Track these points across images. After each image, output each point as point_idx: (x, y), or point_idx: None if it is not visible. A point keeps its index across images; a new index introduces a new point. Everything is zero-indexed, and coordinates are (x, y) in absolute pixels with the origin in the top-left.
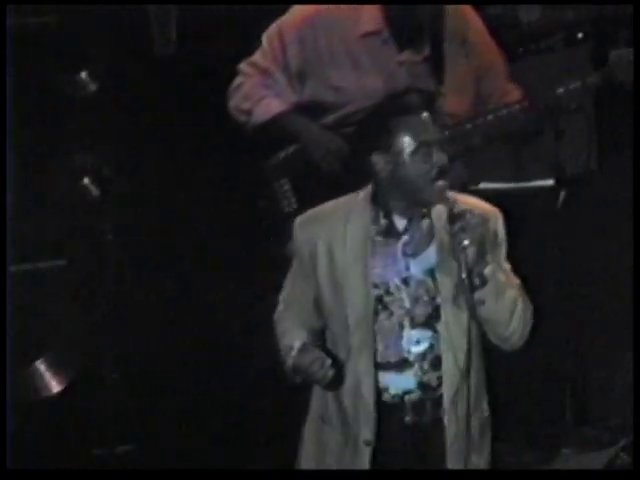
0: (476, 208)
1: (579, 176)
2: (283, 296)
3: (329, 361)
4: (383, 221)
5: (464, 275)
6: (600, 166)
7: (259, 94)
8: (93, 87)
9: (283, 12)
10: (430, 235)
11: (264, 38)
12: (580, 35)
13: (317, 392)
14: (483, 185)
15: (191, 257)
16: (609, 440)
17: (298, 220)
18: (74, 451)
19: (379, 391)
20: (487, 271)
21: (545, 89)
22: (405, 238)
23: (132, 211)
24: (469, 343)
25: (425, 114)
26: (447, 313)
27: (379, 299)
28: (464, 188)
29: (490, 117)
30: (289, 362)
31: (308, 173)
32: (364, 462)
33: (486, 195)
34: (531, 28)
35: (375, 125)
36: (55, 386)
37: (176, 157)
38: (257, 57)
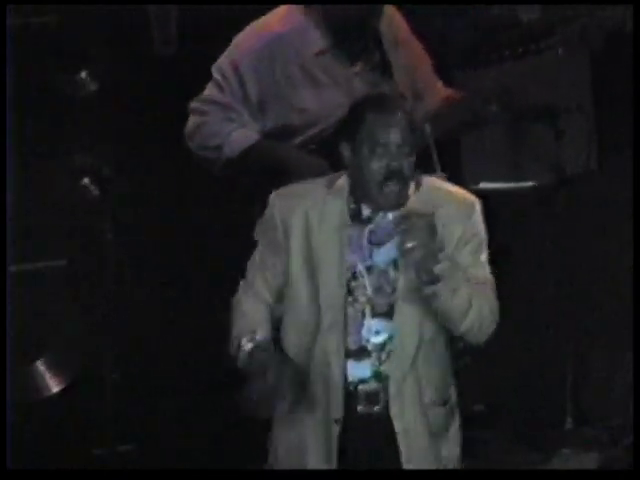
0: (448, 200)
1: (579, 176)
2: (248, 276)
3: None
4: (353, 206)
5: (412, 274)
6: (600, 166)
7: (227, 129)
8: (93, 87)
9: None
10: (393, 228)
11: (216, 72)
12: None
13: None
14: (483, 185)
15: (191, 257)
16: (609, 440)
17: (275, 193)
18: (74, 451)
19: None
20: (437, 269)
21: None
22: (371, 226)
23: (132, 211)
24: (420, 337)
25: (399, 114)
26: (400, 305)
27: (347, 283)
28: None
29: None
30: (245, 348)
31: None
32: (333, 441)
33: (486, 195)
34: (531, 28)
35: (349, 114)
36: (55, 386)
37: (176, 157)
38: (213, 93)
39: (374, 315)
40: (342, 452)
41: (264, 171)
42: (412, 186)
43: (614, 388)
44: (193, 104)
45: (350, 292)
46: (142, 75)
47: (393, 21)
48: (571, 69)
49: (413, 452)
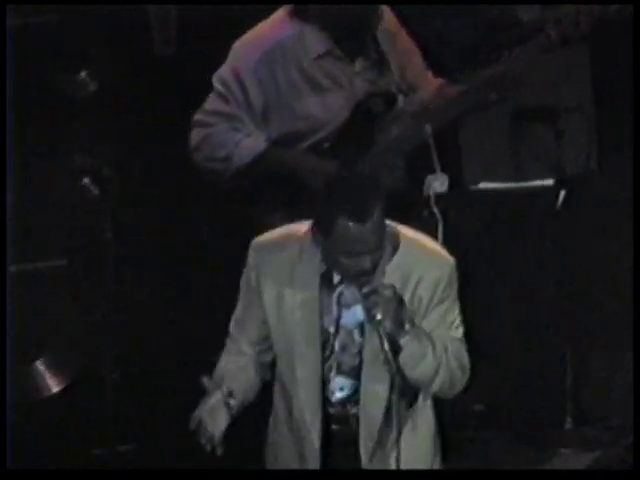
0: (420, 261)
1: (579, 176)
2: (231, 331)
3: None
4: (323, 271)
5: (382, 345)
6: (600, 166)
7: (234, 138)
8: (93, 87)
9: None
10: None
11: (217, 82)
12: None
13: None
14: (483, 185)
15: (191, 257)
16: (609, 440)
17: (253, 243)
18: (74, 451)
19: None
20: (402, 341)
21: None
22: (340, 289)
23: (132, 211)
24: (389, 400)
25: (369, 223)
26: (368, 370)
27: (323, 343)
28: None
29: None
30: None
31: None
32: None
33: (486, 195)
34: (531, 28)
35: (322, 210)
36: (55, 386)
37: (176, 157)
38: (216, 104)
39: (338, 372)
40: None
41: (273, 179)
42: (389, 250)
43: (614, 388)
44: (197, 116)
45: (324, 350)
46: (142, 75)
47: (385, 16)
48: (571, 69)
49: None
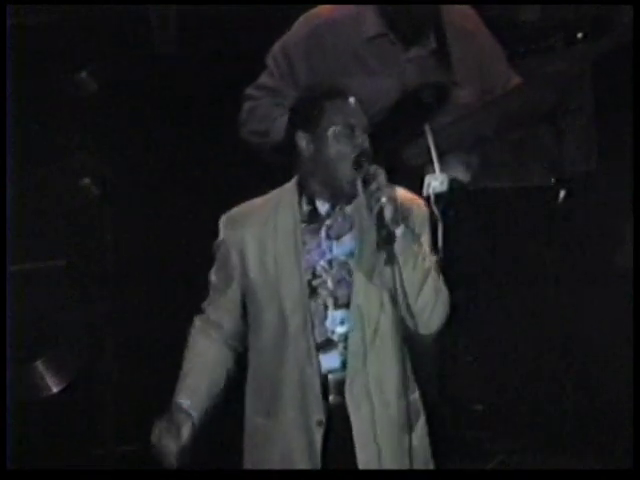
0: (404, 197)
1: (579, 176)
2: (205, 308)
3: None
4: (306, 207)
5: (380, 234)
6: (600, 166)
7: (274, 114)
8: (93, 87)
9: (283, 11)
10: (352, 218)
11: (269, 59)
12: (580, 35)
13: (251, 388)
14: (483, 185)
15: (191, 257)
16: (609, 440)
17: (224, 218)
18: (74, 451)
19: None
20: (398, 231)
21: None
22: (328, 222)
23: (132, 211)
24: (375, 329)
25: (352, 98)
26: (359, 294)
27: (308, 283)
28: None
29: (496, 103)
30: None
31: None
32: (317, 443)
33: (486, 195)
34: (531, 28)
35: (303, 104)
36: (55, 386)
37: (176, 157)
38: (264, 79)
39: (336, 306)
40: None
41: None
42: None
43: (614, 388)
44: (247, 90)
45: (314, 290)
46: (142, 75)
47: (461, 12)
48: (571, 69)
49: (367, 442)
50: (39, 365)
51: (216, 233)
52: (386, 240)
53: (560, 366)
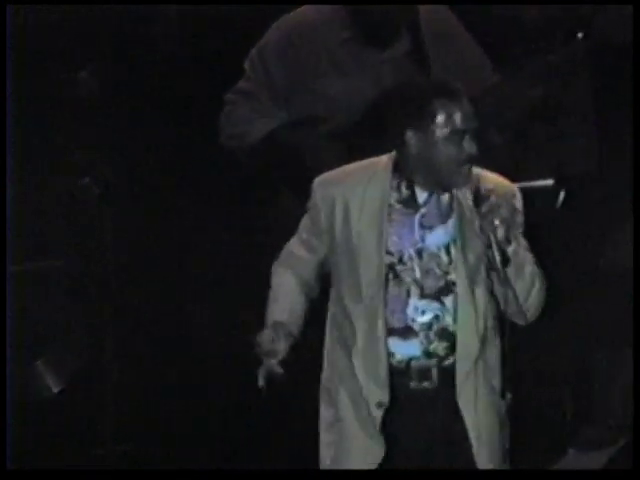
0: (498, 186)
1: (579, 176)
2: (289, 248)
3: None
4: (405, 191)
5: (494, 255)
6: (600, 166)
7: (248, 117)
8: (93, 87)
9: (284, 12)
10: (449, 210)
11: (246, 63)
12: (580, 35)
13: (329, 359)
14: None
15: (191, 257)
16: (609, 440)
17: (318, 179)
18: (74, 451)
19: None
20: (510, 250)
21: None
22: (423, 210)
23: (132, 211)
24: (485, 319)
25: (465, 100)
26: (462, 289)
27: (392, 267)
28: None
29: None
30: (266, 319)
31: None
32: (375, 425)
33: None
34: (531, 28)
35: (414, 102)
36: (55, 386)
37: (176, 157)
38: (241, 83)
39: (422, 296)
40: (393, 433)
41: (283, 160)
42: None
43: (614, 388)
44: (226, 95)
45: (396, 275)
46: (142, 75)
47: (439, 13)
48: (571, 69)
49: (483, 443)
50: (39, 365)
51: (216, 232)
52: (500, 262)
53: (560, 366)
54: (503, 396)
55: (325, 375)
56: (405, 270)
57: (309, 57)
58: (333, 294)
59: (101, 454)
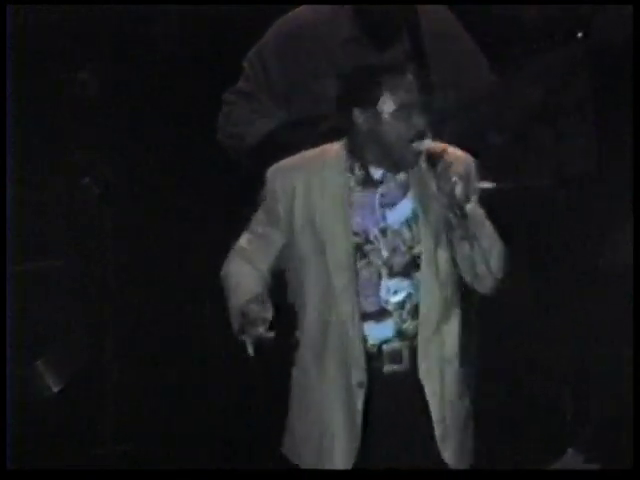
0: (451, 150)
1: (579, 176)
2: (241, 242)
3: (269, 318)
4: (359, 171)
5: (455, 212)
6: (600, 166)
7: (248, 118)
8: (94, 87)
9: (283, 12)
10: (405, 186)
11: (245, 63)
12: (580, 35)
13: (303, 344)
14: (483, 185)
15: (191, 257)
16: (609, 440)
17: (272, 168)
18: (74, 451)
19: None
20: (469, 207)
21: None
22: (382, 189)
23: (132, 211)
24: (445, 296)
25: (410, 75)
26: (427, 261)
27: (359, 247)
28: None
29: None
30: (234, 302)
31: None
32: (358, 405)
33: (486, 195)
34: (531, 28)
35: (360, 80)
36: (55, 386)
37: (176, 157)
38: (240, 83)
39: (391, 275)
40: (368, 417)
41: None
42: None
43: (614, 388)
44: (224, 95)
45: (364, 255)
46: (142, 75)
47: (439, 14)
48: (571, 69)
49: (445, 411)
50: (39, 365)
51: (216, 232)
52: (460, 218)
53: (559, 366)
54: (461, 364)
55: (296, 374)
56: (373, 250)
57: (309, 57)
58: (292, 288)
59: (101, 454)
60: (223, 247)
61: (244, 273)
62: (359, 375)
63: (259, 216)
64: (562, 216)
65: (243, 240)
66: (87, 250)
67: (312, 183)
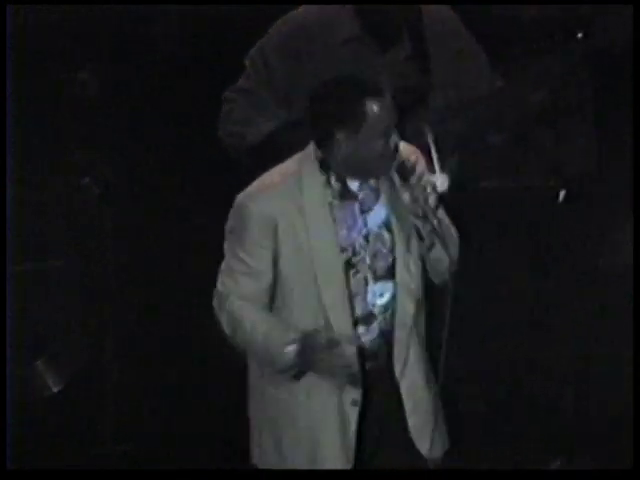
0: (418, 155)
1: (579, 176)
2: (228, 284)
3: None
4: (336, 184)
5: (431, 220)
6: (600, 166)
7: (248, 116)
8: (94, 87)
9: (284, 11)
10: (377, 190)
11: (247, 61)
12: (580, 35)
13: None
14: (483, 185)
15: (191, 257)
16: (609, 440)
17: (243, 198)
18: (74, 451)
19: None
20: (440, 213)
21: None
22: (360, 196)
23: (132, 211)
24: (417, 297)
25: (389, 95)
26: (402, 263)
27: (349, 262)
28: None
29: (480, 104)
30: (291, 349)
31: None
32: (352, 423)
33: (486, 195)
34: (531, 28)
35: (343, 104)
36: (55, 386)
37: (176, 157)
38: (242, 81)
39: (376, 279)
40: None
41: (283, 160)
42: None
43: (614, 388)
44: (225, 93)
45: (353, 266)
46: (142, 75)
47: (441, 13)
48: (571, 69)
49: (418, 406)
50: (39, 365)
51: (216, 232)
52: (433, 227)
53: (559, 366)
54: (427, 350)
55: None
56: (359, 260)
57: (310, 57)
58: (276, 307)
59: (101, 454)
60: (223, 247)
61: (265, 319)
62: (355, 393)
63: (238, 253)
64: (562, 216)
65: (230, 283)
66: (87, 250)
67: (291, 206)
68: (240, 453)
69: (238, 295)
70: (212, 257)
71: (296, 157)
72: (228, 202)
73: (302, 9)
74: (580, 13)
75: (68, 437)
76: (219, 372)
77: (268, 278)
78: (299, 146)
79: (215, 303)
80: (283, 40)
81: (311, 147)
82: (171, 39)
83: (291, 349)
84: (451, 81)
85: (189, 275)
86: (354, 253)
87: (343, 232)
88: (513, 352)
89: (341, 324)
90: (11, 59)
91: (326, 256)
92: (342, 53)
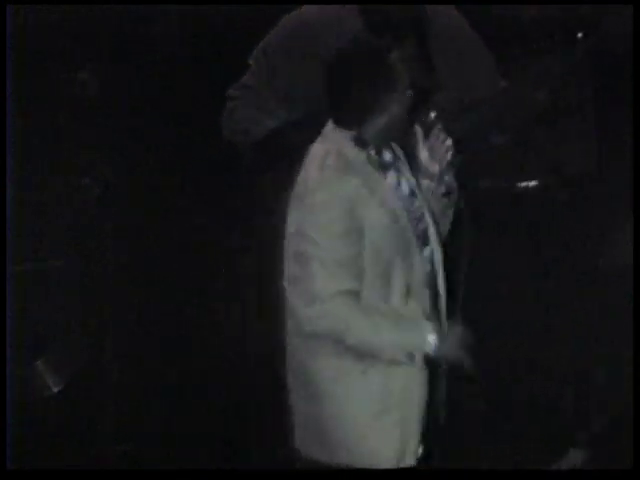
0: None
1: (579, 176)
2: (346, 283)
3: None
4: (376, 157)
5: (449, 175)
6: (600, 166)
7: (252, 114)
8: (94, 87)
9: (284, 12)
10: (401, 160)
11: (251, 59)
12: (580, 35)
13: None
14: (483, 185)
15: (191, 257)
16: (608, 440)
17: (322, 174)
18: (74, 451)
19: None
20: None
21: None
22: (396, 166)
23: (132, 211)
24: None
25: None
26: (432, 230)
27: (424, 232)
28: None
29: (483, 104)
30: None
31: None
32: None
33: (486, 195)
34: (531, 28)
35: (379, 67)
36: (55, 386)
37: (176, 157)
38: (245, 79)
39: (423, 245)
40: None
41: (286, 159)
42: None
43: (614, 388)
44: (229, 91)
45: (425, 236)
46: (143, 75)
47: (446, 13)
48: (571, 69)
49: None
50: (39, 365)
51: (216, 232)
52: (454, 182)
53: (559, 366)
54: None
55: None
56: (425, 227)
57: (313, 57)
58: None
59: (101, 454)
60: (224, 247)
61: (384, 312)
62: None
63: (337, 239)
64: (562, 216)
65: (332, 286)
66: (87, 250)
67: (362, 190)
68: (240, 453)
69: (337, 290)
70: (212, 257)
71: (326, 144)
72: (228, 202)
73: (304, 9)
74: (580, 13)
75: (68, 437)
76: (219, 372)
77: (360, 263)
78: (303, 145)
79: (312, 309)
80: (286, 39)
81: (331, 133)
82: (171, 39)
83: (433, 338)
84: (455, 81)
85: (189, 275)
86: (419, 221)
87: (401, 203)
88: (513, 352)
89: (426, 299)
90: (11, 59)
91: (402, 233)
92: None
